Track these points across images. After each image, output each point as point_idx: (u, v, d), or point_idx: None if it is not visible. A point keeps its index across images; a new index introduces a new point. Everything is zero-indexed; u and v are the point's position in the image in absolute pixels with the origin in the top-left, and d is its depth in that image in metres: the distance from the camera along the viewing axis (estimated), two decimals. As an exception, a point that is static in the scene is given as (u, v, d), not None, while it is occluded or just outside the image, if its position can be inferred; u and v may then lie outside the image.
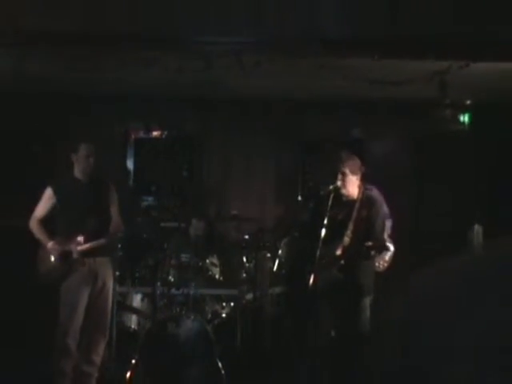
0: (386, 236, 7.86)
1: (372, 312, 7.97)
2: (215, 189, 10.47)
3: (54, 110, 9.97)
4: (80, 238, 7.87)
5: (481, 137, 9.65)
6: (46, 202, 8.10)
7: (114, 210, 8.21)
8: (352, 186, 7.90)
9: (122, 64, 8.66)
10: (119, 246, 8.80)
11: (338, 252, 7.82)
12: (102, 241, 7.93)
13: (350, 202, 7.88)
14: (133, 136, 10.73)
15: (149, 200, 9.73)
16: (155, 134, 10.76)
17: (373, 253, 7.64)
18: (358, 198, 7.88)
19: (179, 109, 10.29)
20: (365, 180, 8.02)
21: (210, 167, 10.75)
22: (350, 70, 8.70)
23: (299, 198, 9.85)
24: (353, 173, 7.89)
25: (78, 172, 8.06)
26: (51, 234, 8.05)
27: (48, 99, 9.90)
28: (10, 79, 9.42)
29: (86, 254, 7.94)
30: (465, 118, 9.58)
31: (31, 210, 8.09)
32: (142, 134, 10.77)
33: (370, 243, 7.66)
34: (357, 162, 7.95)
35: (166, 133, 10.73)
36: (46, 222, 8.16)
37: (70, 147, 8.12)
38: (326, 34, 7.84)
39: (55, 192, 8.06)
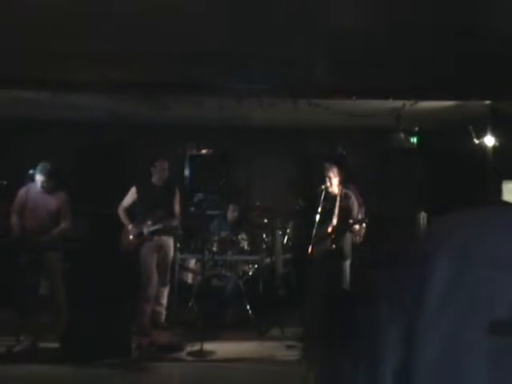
0: (359, 217, 8.06)
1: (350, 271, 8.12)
2: (244, 188, 10.49)
3: (138, 137, 10.10)
4: (149, 223, 8.10)
5: (425, 152, 9.65)
6: (130, 196, 8.33)
7: (177, 205, 8.40)
8: (335, 186, 8.08)
9: (182, 104, 8.76)
10: (180, 228, 8.88)
11: (329, 230, 8.00)
12: (159, 225, 8.17)
13: (334, 197, 8.06)
14: (188, 153, 10.77)
15: (199, 196, 9.78)
16: (203, 151, 10.76)
17: (355, 226, 7.87)
18: (338, 193, 8.07)
19: (219, 134, 10.25)
20: (343, 181, 8.19)
21: (240, 174, 10.77)
22: (336, 107, 8.75)
23: (302, 195, 9.85)
24: (335, 177, 8.08)
25: (155, 179, 8.31)
26: (131, 219, 8.31)
27: (135, 130, 10.02)
28: (108, 117, 9.61)
29: (152, 233, 8.16)
30: (414, 140, 9.58)
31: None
32: (194, 152, 10.77)
33: (351, 221, 7.90)
34: (337, 170, 8.13)
35: (210, 151, 10.76)
36: (129, 210, 8.38)
37: (150, 163, 8.35)
38: (319, 82, 7.86)
39: (137, 191, 8.29)
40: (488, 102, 8.19)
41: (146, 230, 8.16)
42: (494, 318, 1.01)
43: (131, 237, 8.21)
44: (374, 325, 1.10)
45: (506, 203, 1.19)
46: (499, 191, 8.25)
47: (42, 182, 7.82)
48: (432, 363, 1.03)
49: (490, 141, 8.50)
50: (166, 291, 8.44)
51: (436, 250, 1.07)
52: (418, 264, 1.07)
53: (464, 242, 1.07)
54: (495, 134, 8.49)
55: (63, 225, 7.92)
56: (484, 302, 1.02)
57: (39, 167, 7.83)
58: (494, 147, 8.48)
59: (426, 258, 1.06)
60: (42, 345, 7.42)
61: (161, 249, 8.26)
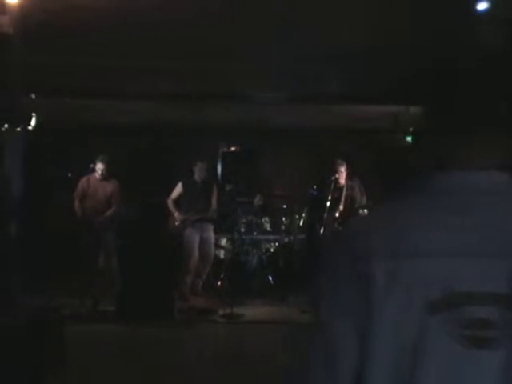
0: (363, 203, 8.07)
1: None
2: (267, 179, 10.47)
3: (180, 137, 10.14)
4: (192, 213, 8.17)
5: (419, 149, 9.56)
6: (177, 190, 8.37)
7: (214, 199, 8.43)
8: (342, 178, 8.07)
9: (215, 110, 8.78)
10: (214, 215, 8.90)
11: (337, 215, 7.99)
12: (200, 215, 8.21)
13: (342, 187, 8.06)
14: (220, 151, 10.76)
15: (229, 186, 9.77)
16: (233, 149, 10.76)
17: (360, 211, 7.87)
18: (345, 184, 8.06)
19: (246, 134, 10.25)
20: (349, 174, 8.18)
21: (264, 167, 10.69)
22: (344, 111, 8.74)
23: (315, 185, 9.80)
24: (343, 171, 8.07)
25: (196, 177, 8.33)
26: (177, 209, 8.37)
27: (177, 132, 10.05)
28: (154, 121, 9.70)
29: (195, 220, 8.22)
30: (409, 139, 9.49)
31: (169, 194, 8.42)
32: (225, 149, 10.76)
33: (356, 206, 7.90)
34: (344, 165, 8.12)
35: (239, 148, 10.76)
36: (176, 201, 8.45)
37: (192, 162, 8.41)
38: (330, 90, 7.85)
39: (183, 186, 8.33)
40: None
41: (189, 218, 8.23)
42: (430, 300, 1.02)
43: (177, 222, 8.32)
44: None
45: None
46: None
47: (102, 170, 8.03)
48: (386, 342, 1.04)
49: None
50: (207, 268, 8.46)
51: (375, 250, 1.07)
52: (364, 261, 1.07)
53: (393, 239, 1.07)
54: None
55: (114, 208, 8.09)
56: (419, 287, 1.03)
57: (99, 158, 8.06)
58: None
59: (369, 257, 1.06)
60: (101, 308, 7.54)
61: (202, 232, 8.32)
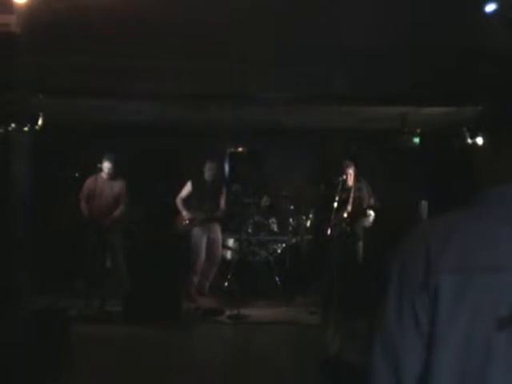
0: (371, 203, 8.03)
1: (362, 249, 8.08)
2: (274, 180, 10.44)
3: (188, 138, 10.12)
4: (200, 213, 8.17)
5: (426, 150, 9.52)
6: (186, 189, 8.38)
7: (222, 199, 8.43)
8: (350, 179, 8.04)
9: (223, 110, 8.77)
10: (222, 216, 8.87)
11: (345, 215, 7.94)
12: (208, 215, 8.21)
13: (350, 188, 8.02)
14: (227, 151, 10.75)
15: (236, 186, 9.76)
16: (240, 149, 10.74)
17: (367, 212, 7.83)
18: (353, 185, 8.01)
19: (254, 135, 10.23)
20: (357, 175, 8.14)
21: (271, 168, 10.66)
22: (352, 112, 8.70)
23: (322, 186, 9.78)
24: (351, 172, 8.03)
25: (206, 176, 8.34)
26: (186, 208, 8.34)
27: (186, 132, 10.00)
28: (163, 121, 9.66)
29: (203, 220, 8.21)
30: (416, 139, 9.45)
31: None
32: (232, 150, 10.74)
33: (365, 206, 7.87)
34: (352, 166, 8.08)
35: (246, 149, 10.74)
36: (185, 200, 8.42)
37: (202, 163, 8.42)
38: (339, 91, 7.82)
39: (192, 185, 8.35)
40: (480, 107, 8.04)
41: (197, 218, 8.22)
42: (499, 315, 1.03)
43: (185, 221, 8.28)
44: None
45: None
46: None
47: (109, 169, 8.02)
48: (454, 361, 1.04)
49: (480, 141, 8.37)
50: (214, 269, 8.46)
51: (437, 264, 1.07)
52: (434, 274, 1.07)
53: (458, 253, 1.07)
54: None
55: (121, 207, 8.06)
56: (488, 302, 1.04)
57: (106, 156, 8.07)
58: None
59: (439, 271, 1.07)
60: (108, 308, 7.53)
61: (209, 233, 8.30)
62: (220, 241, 8.46)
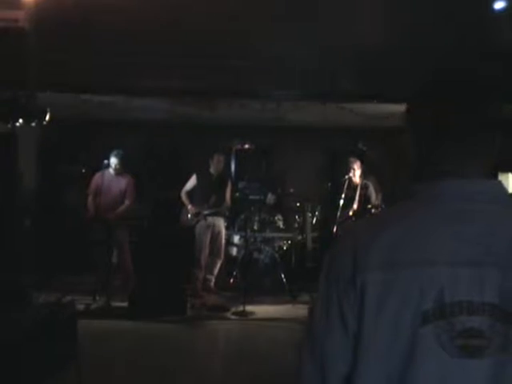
0: (377, 203, 7.98)
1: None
2: (280, 177, 10.40)
3: (195, 134, 10.10)
4: (205, 207, 8.14)
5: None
6: (191, 182, 8.35)
7: (228, 194, 8.40)
8: (357, 177, 8.02)
9: (230, 107, 8.76)
10: (228, 211, 8.87)
11: (350, 213, 7.93)
12: (213, 210, 8.18)
13: (356, 186, 8.00)
14: (234, 148, 10.70)
15: (243, 183, 9.74)
16: (246, 146, 10.69)
17: (373, 210, 7.79)
18: (359, 183, 8.00)
19: (260, 132, 10.18)
20: (364, 173, 8.12)
21: (277, 165, 10.66)
22: (358, 110, 8.68)
23: (329, 183, 9.75)
24: (357, 169, 8.02)
25: (212, 170, 8.32)
26: (190, 201, 8.34)
27: (193, 128, 9.96)
28: (170, 117, 9.65)
29: (207, 214, 8.19)
30: None
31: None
32: (239, 147, 10.71)
33: (369, 206, 7.83)
34: (358, 163, 8.06)
35: (253, 146, 10.69)
36: (189, 193, 8.41)
37: (209, 156, 8.39)
38: (345, 89, 7.80)
39: (197, 178, 8.31)
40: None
41: (202, 212, 8.21)
42: (423, 310, 1.03)
43: (190, 215, 8.27)
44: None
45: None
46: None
47: (116, 165, 7.99)
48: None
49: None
50: (218, 263, 8.43)
51: (364, 262, 1.08)
52: (362, 273, 1.08)
53: (386, 249, 1.07)
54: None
55: (127, 202, 8.04)
56: (414, 297, 1.03)
57: (114, 152, 8.02)
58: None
59: (366, 269, 1.07)
60: (114, 304, 7.53)
61: (213, 227, 8.29)
62: (224, 236, 8.44)
